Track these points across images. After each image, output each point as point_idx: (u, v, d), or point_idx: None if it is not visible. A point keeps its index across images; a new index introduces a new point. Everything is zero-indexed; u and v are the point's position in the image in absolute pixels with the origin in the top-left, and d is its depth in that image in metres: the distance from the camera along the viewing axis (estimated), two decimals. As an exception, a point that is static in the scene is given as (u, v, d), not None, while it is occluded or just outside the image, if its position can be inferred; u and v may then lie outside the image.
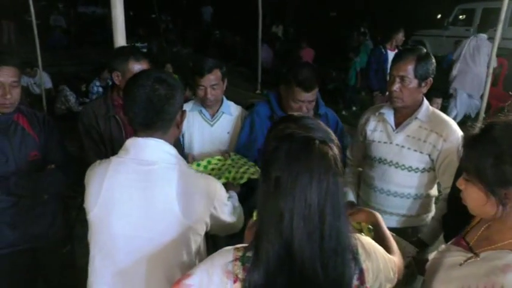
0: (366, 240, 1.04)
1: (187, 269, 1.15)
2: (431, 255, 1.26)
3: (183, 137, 2.30)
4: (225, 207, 1.38)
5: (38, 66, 6.04)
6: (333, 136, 0.95)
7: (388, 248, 1.18)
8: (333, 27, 12.47)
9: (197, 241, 1.31)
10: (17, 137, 1.84)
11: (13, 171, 1.80)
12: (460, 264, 1.07)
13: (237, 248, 0.96)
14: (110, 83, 2.70)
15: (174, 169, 1.25)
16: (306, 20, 12.98)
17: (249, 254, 0.92)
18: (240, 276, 0.90)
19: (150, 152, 1.25)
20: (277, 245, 0.86)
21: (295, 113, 1.02)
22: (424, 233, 1.88)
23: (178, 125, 1.33)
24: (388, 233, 1.30)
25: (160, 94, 1.23)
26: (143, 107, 1.23)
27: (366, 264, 0.97)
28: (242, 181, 1.90)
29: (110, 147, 2.06)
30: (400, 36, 5.29)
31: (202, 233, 1.32)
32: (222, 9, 14.54)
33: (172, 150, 1.29)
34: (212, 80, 2.11)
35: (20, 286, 2.00)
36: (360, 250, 0.97)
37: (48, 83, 6.63)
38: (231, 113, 2.31)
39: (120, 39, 2.18)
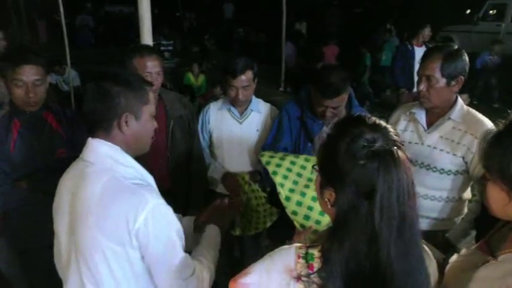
0: (424, 246, 1.02)
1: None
2: (452, 259, 1.22)
3: (211, 136, 2.31)
4: (164, 241, 1.13)
5: (66, 64, 6.18)
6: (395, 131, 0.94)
7: None
8: (357, 23, 12.26)
9: (126, 267, 1.12)
10: (44, 134, 1.87)
11: (40, 168, 1.83)
12: (478, 267, 1.03)
13: (299, 247, 0.93)
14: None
15: (105, 174, 1.13)
16: (330, 16, 12.82)
17: (312, 250, 0.90)
18: (303, 274, 0.88)
19: (90, 152, 1.19)
20: (368, 261, 0.85)
21: (371, 120, 0.94)
22: (451, 232, 1.82)
23: (121, 129, 1.18)
24: None
25: (100, 91, 1.17)
26: (86, 102, 1.19)
27: (429, 270, 0.97)
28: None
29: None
30: (427, 32, 5.14)
31: (135, 259, 1.12)
32: (243, 6, 14.53)
33: (115, 153, 1.17)
34: (244, 81, 2.11)
35: (48, 282, 2.02)
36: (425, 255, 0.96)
37: (76, 81, 6.78)
38: (260, 110, 2.30)
39: (146, 37, 2.21)
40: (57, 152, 1.88)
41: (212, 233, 1.41)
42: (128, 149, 1.20)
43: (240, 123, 2.27)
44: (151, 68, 1.97)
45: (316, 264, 0.88)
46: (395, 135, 0.92)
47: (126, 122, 1.19)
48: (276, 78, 8.75)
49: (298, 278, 0.88)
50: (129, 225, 1.08)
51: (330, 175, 0.93)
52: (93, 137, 1.20)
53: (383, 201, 0.85)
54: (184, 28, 12.18)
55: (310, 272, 0.87)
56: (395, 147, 0.88)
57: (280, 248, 0.96)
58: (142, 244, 1.11)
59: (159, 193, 1.18)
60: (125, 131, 1.19)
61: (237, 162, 2.27)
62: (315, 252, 0.89)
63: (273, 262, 0.93)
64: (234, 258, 2.60)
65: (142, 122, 1.23)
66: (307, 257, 0.89)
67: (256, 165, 2.27)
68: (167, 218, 1.15)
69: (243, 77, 2.10)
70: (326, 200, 0.95)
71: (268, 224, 2.11)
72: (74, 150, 1.96)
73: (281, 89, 8.55)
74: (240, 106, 2.25)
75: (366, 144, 0.88)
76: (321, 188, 0.97)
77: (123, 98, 1.17)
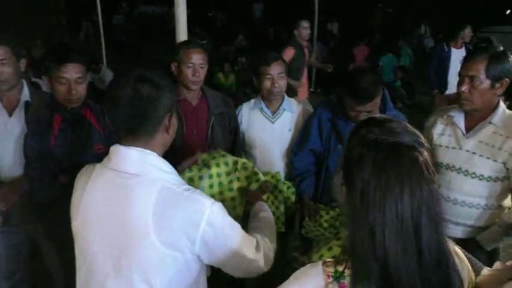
0: (458, 250, 0.96)
1: None
2: (484, 272, 1.16)
3: (243, 136, 2.33)
4: (228, 233, 1.14)
5: (102, 62, 6.38)
6: (422, 139, 0.86)
7: None
8: (390, 24, 12.02)
9: (185, 273, 1.12)
10: (83, 131, 1.93)
11: (79, 163, 1.88)
12: (506, 282, 0.98)
13: (326, 263, 0.87)
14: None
15: (155, 184, 1.08)
16: (362, 16, 12.64)
17: (340, 268, 0.85)
18: None
19: (130, 163, 1.10)
20: (373, 262, 0.80)
21: (378, 115, 0.91)
22: (482, 235, 1.76)
23: (168, 130, 1.16)
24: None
25: (142, 95, 1.08)
26: (123, 110, 1.08)
27: (462, 275, 0.90)
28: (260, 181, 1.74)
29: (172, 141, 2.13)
30: (467, 33, 4.98)
31: (193, 264, 1.13)
32: (272, 5, 14.53)
33: (158, 162, 1.12)
34: (279, 69, 2.15)
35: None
36: (457, 260, 0.90)
37: (111, 79, 6.98)
38: (292, 110, 2.30)
39: (182, 35, 2.24)
40: (95, 147, 1.94)
41: (264, 208, 1.50)
42: (160, 152, 1.16)
43: (272, 122, 2.28)
44: (196, 59, 2.05)
45: (348, 282, 0.83)
46: (414, 135, 0.85)
47: (170, 121, 1.16)
48: (307, 78, 8.70)
49: None
50: (192, 233, 1.07)
51: (349, 181, 0.88)
52: (127, 145, 1.12)
53: (376, 196, 0.79)
54: (216, 28, 12.30)
55: None
56: (406, 146, 0.82)
57: (306, 268, 0.90)
58: (208, 246, 1.10)
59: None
60: (169, 132, 1.16)
61: (269, 161, 2.27)
62: (344, 269, 0.85)
63: (302, 285, 0.87)
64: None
65: (175, 123, 1.21)
66: (337, 276, 0.84)
67: (289, 164, 2.27)
68: (223, 213, 1.14)
69: (277, 66, 2.15)
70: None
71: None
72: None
73: (311, 89, 8.49)
74: (272, 102, 2.26)
75: (367, 133, 0.85)
76: (346, 195, 0.92)
77: (167, 98, 1.13)
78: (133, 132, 1.11)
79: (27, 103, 2.09)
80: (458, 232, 1.84)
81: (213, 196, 1.53)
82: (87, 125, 1.96)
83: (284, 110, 2.28)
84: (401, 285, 0.79)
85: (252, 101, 2.36)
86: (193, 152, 2.15)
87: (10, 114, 2.06)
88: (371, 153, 0.82)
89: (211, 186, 1.67)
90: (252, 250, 1.19)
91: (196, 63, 2.04)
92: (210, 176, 1.67)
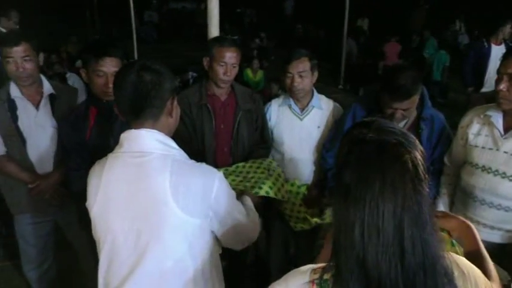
0: (462, 260, 0.89)
1: (184, 268, 1.18)
2: None
3: (272, 133, 2.33)
4: (229, 200, 1.27)
5: (133, 58, 6.52)
6: (413, 140, 0.84)
7: (485, 272, 0.95)
8: (424, 20, 11.66)
9: (201, 240, 1.22)
10: (117, 124, 1.96)
11: None
12: None
13: (315, 270, 0.86)
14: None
15: (167, 159, 1.18)
16: (393, 12, 12.33)
17: (327, 276, 0.83)
18: None
19: (142, 143, 1.20)
20: (353, 261, 0.78)
21: (369, 118, 0.90)
22: None
23: (171, 113, 1.26)
24: (486, 253, 1.08)
25: (146, 80, 1.19)
26: (129, 95, 1.19)
27: (459, 284, 0.82)
28: (258, 194, 1.81)
29: (200, 135, 2.16)
30: (508, 29, 4.78)
31: (207, 229, 1.24)
32: (303, 2, 14.39)
33: (166, 140, 1.23)
34: (299, 67, 2.12)
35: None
36: (456, 272, 0.83)
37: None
38: (321, 107, 2.28)
39: (214, 31, 2.26)
40: None
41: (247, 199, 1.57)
42: (168, 133, 1.26)
43: (301, 119, 2.26)
44: (229, 58, 2.06)
45: None
46: (404, 135, 0.83)
47: (173, 105, 1.26)
48: (335, 75, 8.59)
49: None
50: (207, 198, 1.19)
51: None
52: (135, 128, 1.22)
53: (357, 191, 0.77)
54: (245, 24, 12.31)
55: None
56: (391, 143, 0.80)
57: (297, 270, 0.90)
58: (217, 211, 1.22)
59: None
60: (172, 115, 1.26)
61: (298, 158, 2.27)
62: (330, 277, 0.83)
63: (289, 285, 0.88)
64: (290, 254, 2.62)
65: (178, 107, 1.31)
66: (321, 284, 0.83)
67: (316, 162, 2.26)
68: (227, 183, 1.29)
69: (298, 64, 2.12)
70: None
71: (313, 222, 2.11)
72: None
73: (340, 86, 8.38)
74: (298, 99, 2.24)
75: (357, 134, 0.84)
76: None
77: (168, 83, 1.23)
78: (139, 114, 1.20)
79: (52, 96, 2.17)
80: (496, 237, 1.77)
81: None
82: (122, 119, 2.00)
83: (313, 107, 2.26)
84: (382, 286, 0.76)
85: (281, 97, 2.35)
86: (220, 146, 2.17)
87: (37, 108, 2.14)
88: (356, 150, 0.81)
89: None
90: (243, 216, 1.34)
91: (228, 62, 2.05)
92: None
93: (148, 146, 1.19)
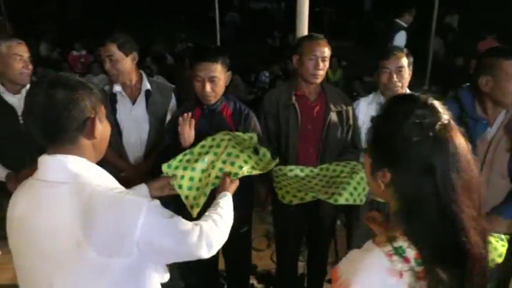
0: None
1: None
2: None
3: (360, 132, 2.29)
4: (163, 230, 1.08)
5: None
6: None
7: None
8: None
9: (134, 280, 1.07)
10: (218, 126, 2.02)
11: None
12: None
13: (381, 245, 0.90)
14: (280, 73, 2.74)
15: (83, 191, 1.03)
16: (489, 6, 11.33)
17: (397, 244, 0.89)
18: (405, 269, 0.87)
19: (55, 171, 1.06)
20: (435, 213, 0.88)
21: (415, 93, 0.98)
22: None
23: (93, 134, 1.10)
24: None
25: (56, 101, 1.03)
26: (37, 119, 1.04)
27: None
28: (239, 176, 1.66)
29: (285, 135, 2.18)
30: None
31: (140, 266, 1.07)
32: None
33: (86, 167, 1.08)
34: (398, 63, 2.08)
35: (204, 266, 2.17)
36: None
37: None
38: None
39: (303, 30, 2.29)
40: None
41: (226, 199, 1.49)
42: (92, 157, 1.12)
43: None
44: (319, 52, 2.08)
45: (410, 254, 0.87)
46: (443, 109, 0.94)
47: (93, 127, 1.10)
48: (420, 75, 8.13)
49: (400, 275, 0.86)
50: (129, 236, 1.01)
51: (383, 156, 0.96)
52: (50, 153, 1.08)
53: (444, 176, 0.87)
54: (324, 23, 12.15)
55: (408, 264, 0.87)
56: (446, 121, 0.91)
57: (359, 256, 0.92)
58: (149, 245, 1.05)
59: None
60: (94, 136, 1.11)
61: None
62: (401, 243, 0.89)
63: (366, 270, 0.88)
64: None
65: (104, 124, 1.16)
66: (398, 252, 0.88)
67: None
68: (161, 210, 1.11)
69: (396, 59, 2.07)
70: (379, 181, 0.96)
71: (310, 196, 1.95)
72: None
73: (425, 87, 7.92)
74: (393, 95, 2.17)
75: (417, 121, 0.90)
76: (372, 170, 0.99)
77: (87, 100, 1.08)
78: (52, 140, 1.07)
79: (147, 92, 2.33)
80: None
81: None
82: (222, 121, 2.05)
83: None
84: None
85: (371, 95, 2.31)
86: (305, 147, 2.17)
87: (133, 102, 2.32)
88: (429, 140, 0.90)
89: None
90: (194, 238, 1.15)
91: (319, 55, 2.06)
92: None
93: (62, 175, 1.05)
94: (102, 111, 1.15)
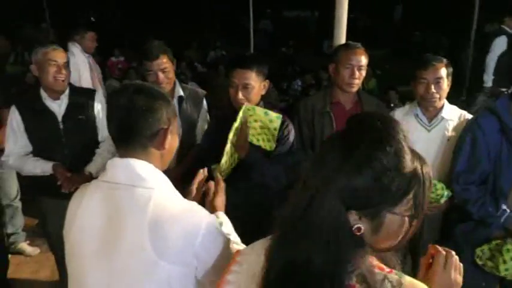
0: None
1: None
2: None
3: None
4: (222, 243, 1.09)
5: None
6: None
7: None
8: None
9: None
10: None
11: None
12: None
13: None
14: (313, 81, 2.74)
15: (150, 196, 1.04)
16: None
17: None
18: None
19: (124, 173, 1.07)
20: None
21: None
22: None
23: (163, 144, 1.11)
24: None
25: (136, 105, 1.06)
26: (117, 120, 1.09)
27: None
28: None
29: (320, 142, 2.17)
30: None
31: (192, 277, 1.06)
32: (414, 6, 13.51)
33: (154, 173, 1.09)
34: (436, 74, 2.01)
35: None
36: None
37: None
38: (452, 117, 2.12)
39: (341, 38, 2.27)
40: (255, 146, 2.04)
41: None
42: (158, 167, 1.12)
43: (428, 130, 2.13)
44: (356, 61, 2.07)
45: None
46: None
47: (165, 138, 1.11)
48: (457, 87, 7.88)
49: None
50: (189, 246, 1.02)
51: None
52: (123, 156, 1.10)
53: None
54: (357, 31, 12.04)
55: None
56: None
57: None
58: (204, 260, 1.06)
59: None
60: (164, 147, 1.12)
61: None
62: None
63: None
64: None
65: (174, 136, 1.16)
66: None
67: (444, 176, 2.10)
68: (219, 231, 1.11)
69: (435, 70, 2.00)
70: None
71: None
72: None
73: (462, 97, 7.67)
74: (428, 108, 2.11)
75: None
76: None
77: (165, 112, 1.11)
78: (126, 142, 1.10)
79: (180, 98, 2.37)
80: None
81: None
82: None
83: (443, 118, 2.11)
84: None
85: (407, 106, 2.25)
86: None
87: None
88: None
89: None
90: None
91: (355, 64, 2.05)
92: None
93: (130, 178, 1.07)
94: (175, 124, 1.17)
